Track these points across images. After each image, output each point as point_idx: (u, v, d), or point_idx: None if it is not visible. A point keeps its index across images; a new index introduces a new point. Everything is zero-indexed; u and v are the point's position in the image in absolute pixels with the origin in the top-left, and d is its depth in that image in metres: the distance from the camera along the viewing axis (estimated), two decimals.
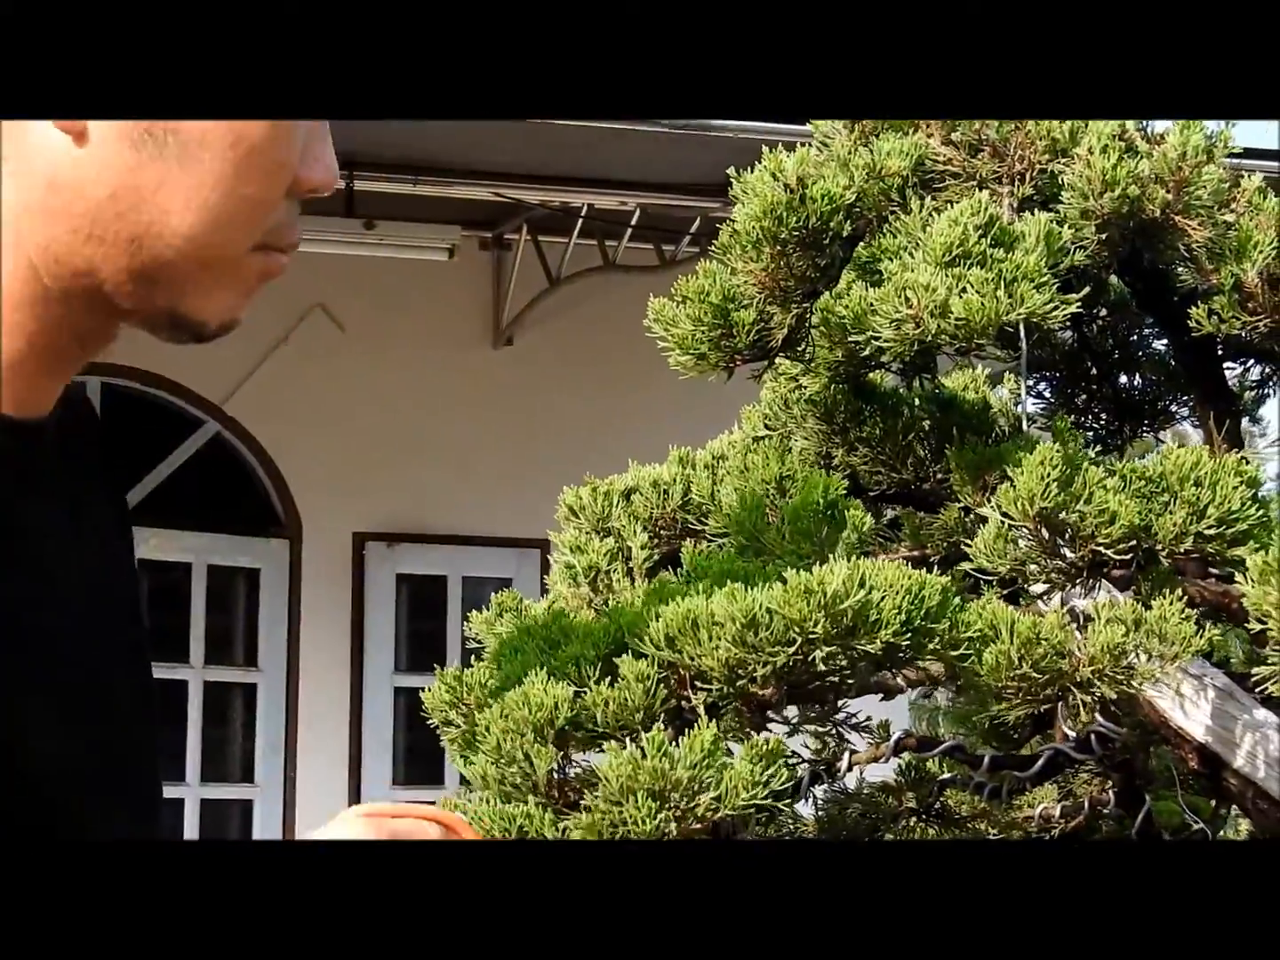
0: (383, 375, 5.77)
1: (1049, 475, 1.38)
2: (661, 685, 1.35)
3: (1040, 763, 1.88)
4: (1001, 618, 1.36)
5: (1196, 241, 1.55)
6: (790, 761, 1.93)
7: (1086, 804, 2.27)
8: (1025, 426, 1.67)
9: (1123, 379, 1.95)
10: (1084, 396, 1.95)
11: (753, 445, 1.84)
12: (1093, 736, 1.83)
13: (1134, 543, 1.39)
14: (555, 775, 1.35)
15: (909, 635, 1.31)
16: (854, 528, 1.46)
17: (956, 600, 1.37)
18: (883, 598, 1.31)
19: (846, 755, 1.90)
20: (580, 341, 5.88)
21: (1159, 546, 1.40)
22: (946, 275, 1.42)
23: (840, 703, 1.60)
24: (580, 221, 5.63)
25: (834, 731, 1.67)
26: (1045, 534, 1.39)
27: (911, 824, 2.05)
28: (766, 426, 1.98)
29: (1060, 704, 1.91)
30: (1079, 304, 1.75)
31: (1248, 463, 1.50)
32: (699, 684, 1.34)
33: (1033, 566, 1.41)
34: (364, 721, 5.62)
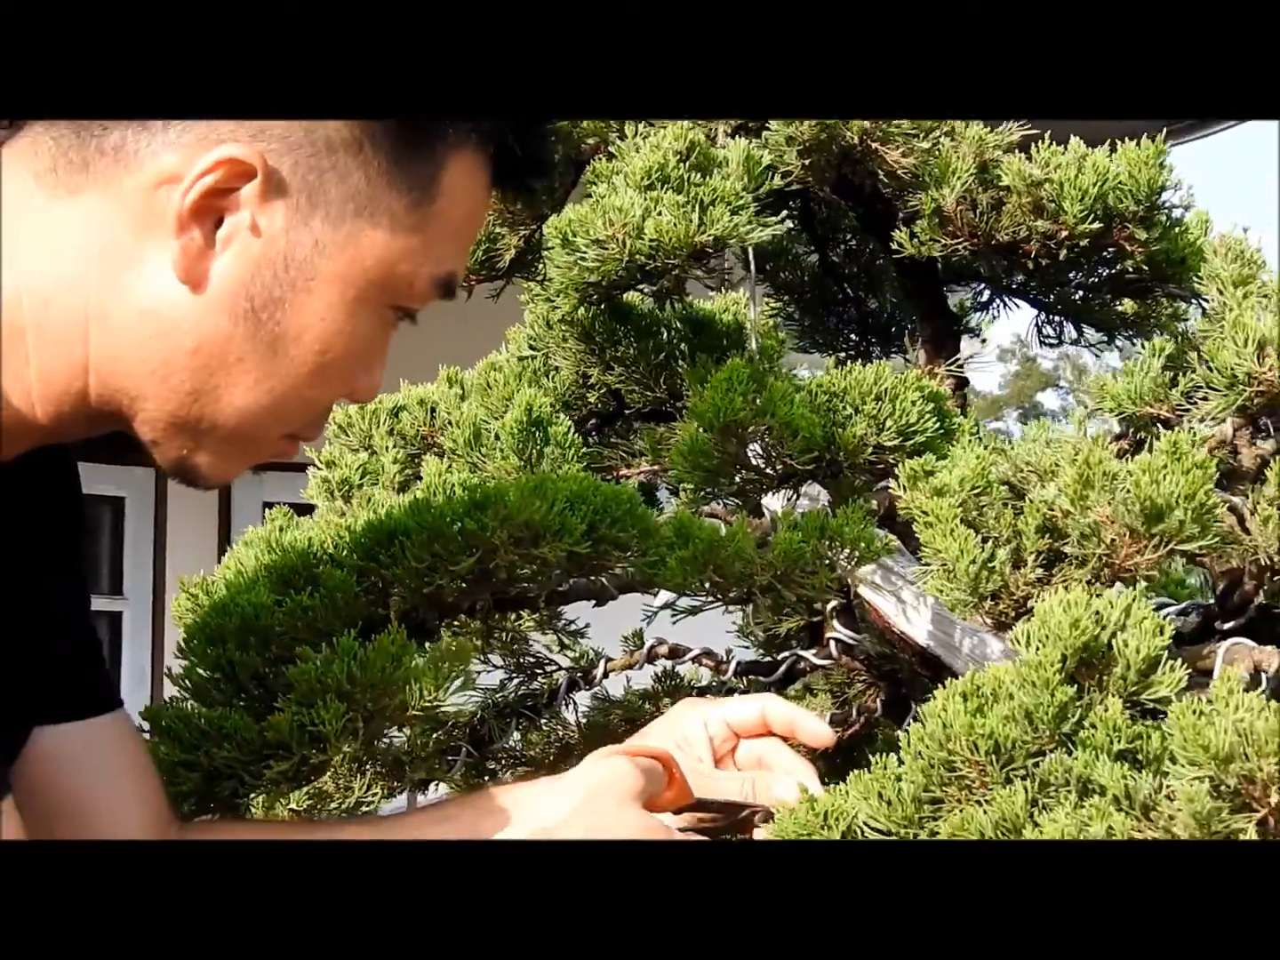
0: None
1: (735, 389, 1.44)
2: (362, 594, 1.41)
3: (781, 669, 1.96)
4: (688, 524, 1.43)
5: (903, 167, 1.61)
6: (549, 670, 2.01)
7: (855, 711, 2.36)
8: (753, 345, 1.74)
9: (873, 302, 2.02)
10: (833, 319, 2.02)
11: (504, 365, 1.90)
12: (832, 643, 1.92)
13: (815, 454, 1.45)
14: (263, 679, 1.40)
15: (591, 544, 1.38)
16: (557, 443, 1.52)
17: (644, 509, 1.43)
18: (564, 509, 1.37)
19: (602, 663, 1.98)
20: None
21: (842, 457, 1.47)
22: (643, 198, 1.48)
23: (559, 608, 1.67)
24: None
25: (556, 638, 1.72)
26: (735, 446, 1.46)
27: None
28: (531, 347, 2.04)
29: (826, 611, 2.00)
30: (796, 226, 1.82)
31: (935, 378, 1.58)
32: (393, 592, 1.40)
33: (723, 478, 1.47)
34: None
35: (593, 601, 1.58)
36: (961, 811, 1.16)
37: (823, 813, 1.19)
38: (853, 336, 2.02)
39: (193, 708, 1.38)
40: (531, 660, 1.94)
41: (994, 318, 1.85)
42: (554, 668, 1.97)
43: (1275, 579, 1.41)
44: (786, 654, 1.95)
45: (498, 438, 1.58)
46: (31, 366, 1.01)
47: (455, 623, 1.53)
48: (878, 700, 2.35)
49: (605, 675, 1.98)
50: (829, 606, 1.88)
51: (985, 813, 1.15)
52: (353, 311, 1.06)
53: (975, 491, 1.31)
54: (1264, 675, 1.40)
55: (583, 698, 2.05)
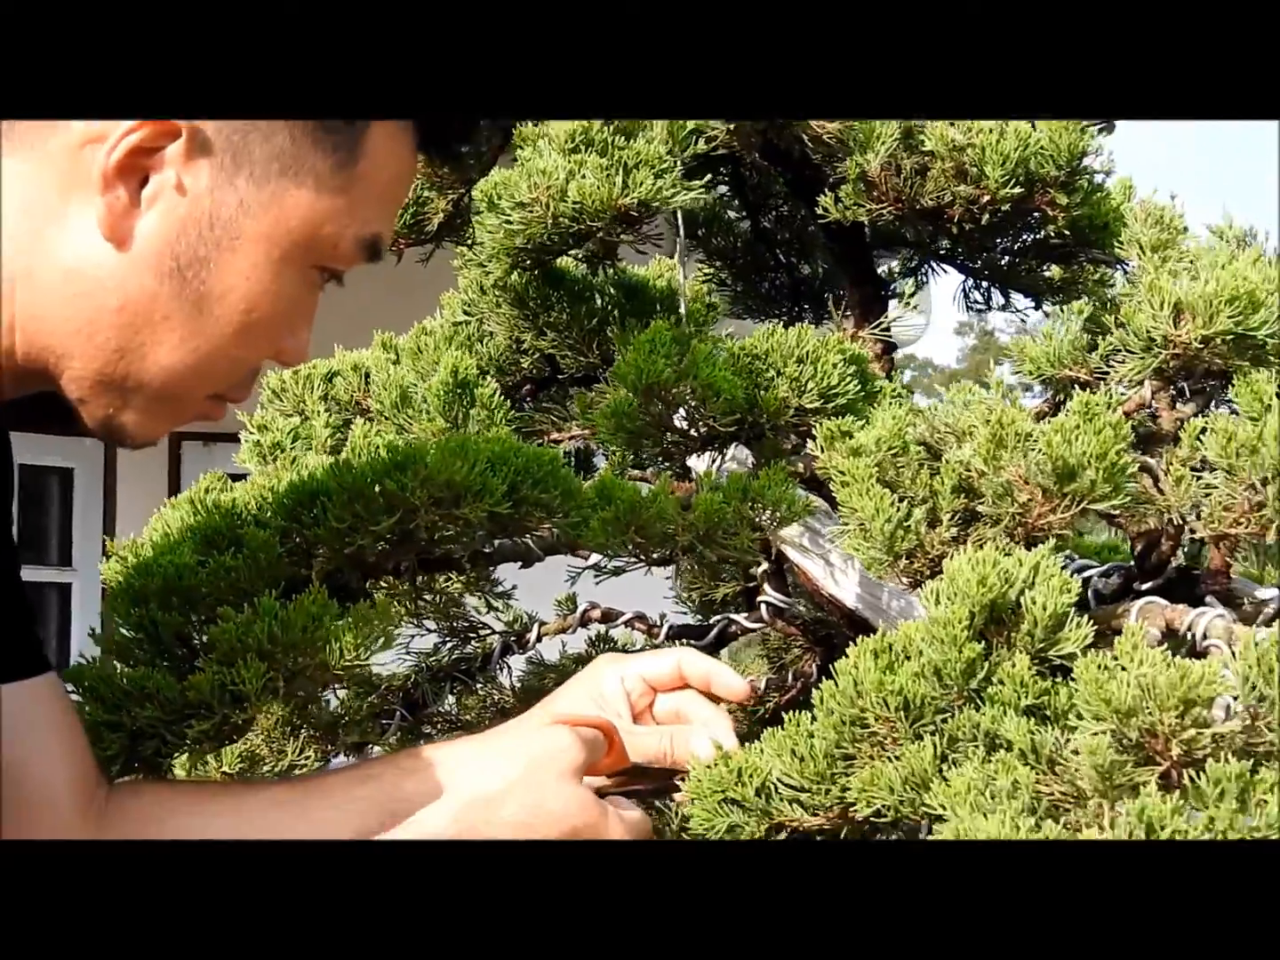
0: None
1: (657, 351, 1.45)
2: (285, 555, 1.42)
3: (713, 633, 1.97)
4: (610, 485, 1.44)
5: (828, 133, 1.62)
6: (482, 633, 2.03)
7: (791, 676, 2.37)
8: (682, 309, 1.75)
9: (805, 268, 2.03)
10: (766, 285, 2.03)
11: (435, 329, 1.91)
12: (764, 607, 1.93)
13: (738, 416, 1.47)
14: (186, 639, 1.41)
15: (512, 505, 1.39)
16: (483, 405, 1.53)
17: (567, 470, 1.44)
18: (485, 469, 1.38)
19: (536, 627, 1.99)
20: None
21: (764, 419, 1.48)
22: (567, 161, 1.49)
23: (487, 570, 1.68)
24: None
25: (485, 600, 1.73)
26: (659, 408, 1.47)
27: None
28: (465, 312, 2.04)
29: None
30: (728, 192, 1.83)
31: (858, 342, 1.59)
32: (316, 553, 1.41)
33: (647, 440, 1.48)
34: None
35: (519, 564, 1.59)
36: (871, 767, 1.17)
37: (736, 769, 1.20)
38: (785, 302, 2.03)
39: (116, 667, 1.39)
40: (465, 624, 1.95)
41: (922, 283, 1.86)
42: (487, 632, 1.98)
43: (1190, 539, 1.43)
44: (718, 617, 1.96)
45: (425, 400, 1.59)
46: None
47: (382, 584, 1.54)
48: (813, 665, 2.38)
49: (539, 639, 1.99)
50: (760, 570, 1.89)
51: (895, 769, 1.16)
52: (278, 271, 1.06)
53: (892, 452, 1.33)
54: (1190, 635, 1.42)
55: (517, 662, 2.06)
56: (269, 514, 1.42)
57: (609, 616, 2.01)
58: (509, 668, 2.04)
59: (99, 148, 1.00)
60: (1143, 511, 1.45)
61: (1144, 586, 1.54)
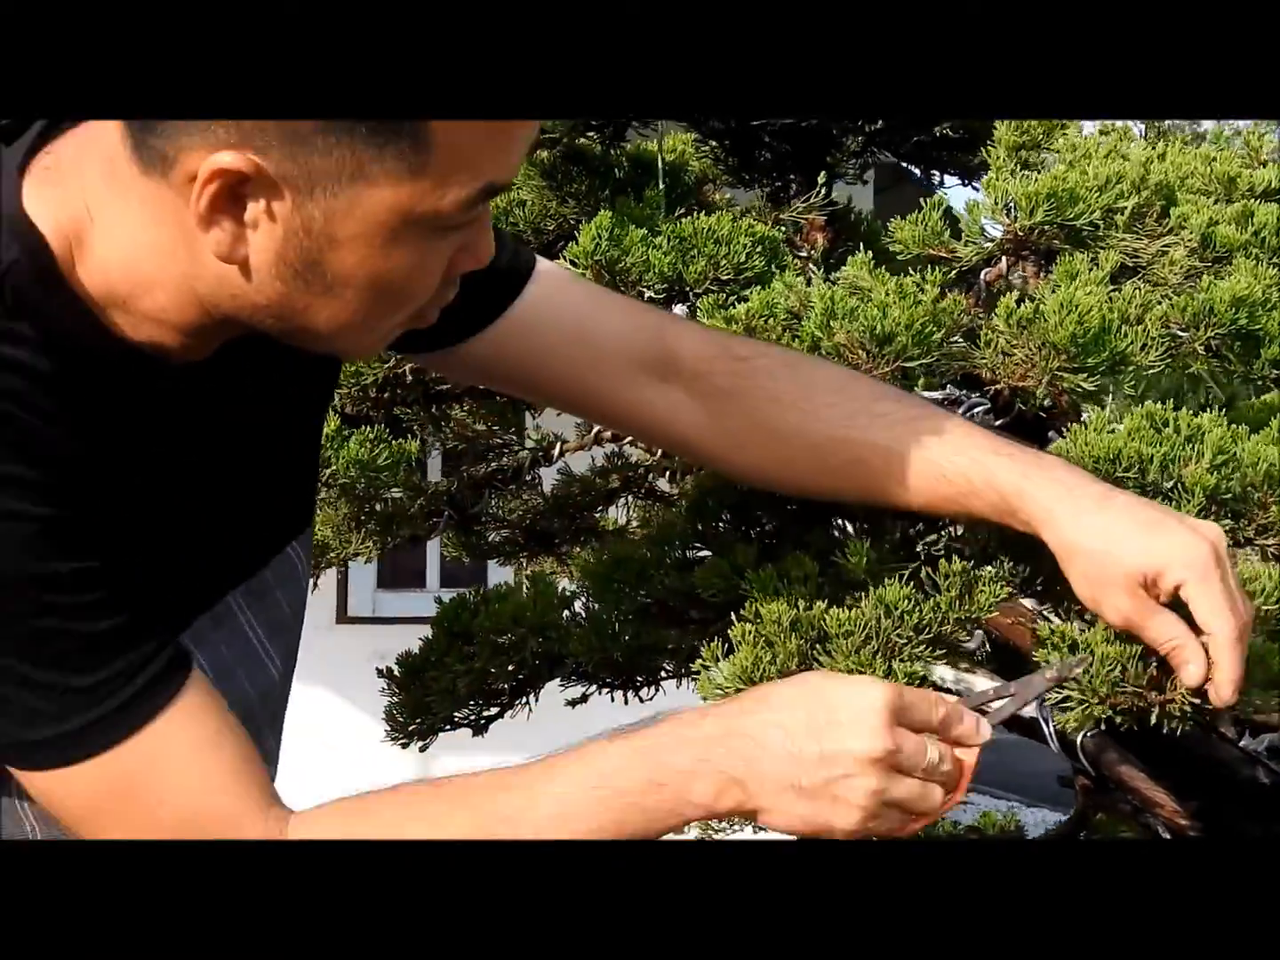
0: None
1: (603, 234, 1.85)
2: None
3: None
4: None
5: None
6: (514, 450, 2.46)
7: None
8: (660, 185, 2.13)
9: (786, 146, 2.40)
10: (759, 157, 2.40)
11: None
12: None
13: (667, 285, 1.86)
14: None
15: None
16: None
17: None
18: None
19: (559, 444, 2.42)
20: None
21: (689, 289, 1.88)
22: None
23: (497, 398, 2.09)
24: None
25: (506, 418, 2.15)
26: (606, 279, 1.87)
27: (628, 500, 2.56)
28: None
29: None
30: None
31: (772, 224, 1.97)
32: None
33: None
34: None
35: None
36: (710, 561, 1.58)
37: (615, 557, 1.63)
38: (773, 172, 2.40)
39: None
40: (499, 442, 2.37)
41: (869, 164, 2.22)
42: (518, 448, 2.41)
43: (1012, 387, 1.79)
44: None
45: None
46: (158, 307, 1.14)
47: (401, 414, 1.97)
48: None
49: (561, 454, 2.41)
50: None
51: (728, 562, 1.57)
52: (387, 253, 1.09)
53: (764, 319, 1.72)
54: None
55: (547, 474, 2.47)
56: None
57: (619, 436, 2.42)
58: (540, 479, 2.46)
59: (191, 189, 1.06)
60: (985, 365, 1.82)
61: (998, 422, 1.92)
